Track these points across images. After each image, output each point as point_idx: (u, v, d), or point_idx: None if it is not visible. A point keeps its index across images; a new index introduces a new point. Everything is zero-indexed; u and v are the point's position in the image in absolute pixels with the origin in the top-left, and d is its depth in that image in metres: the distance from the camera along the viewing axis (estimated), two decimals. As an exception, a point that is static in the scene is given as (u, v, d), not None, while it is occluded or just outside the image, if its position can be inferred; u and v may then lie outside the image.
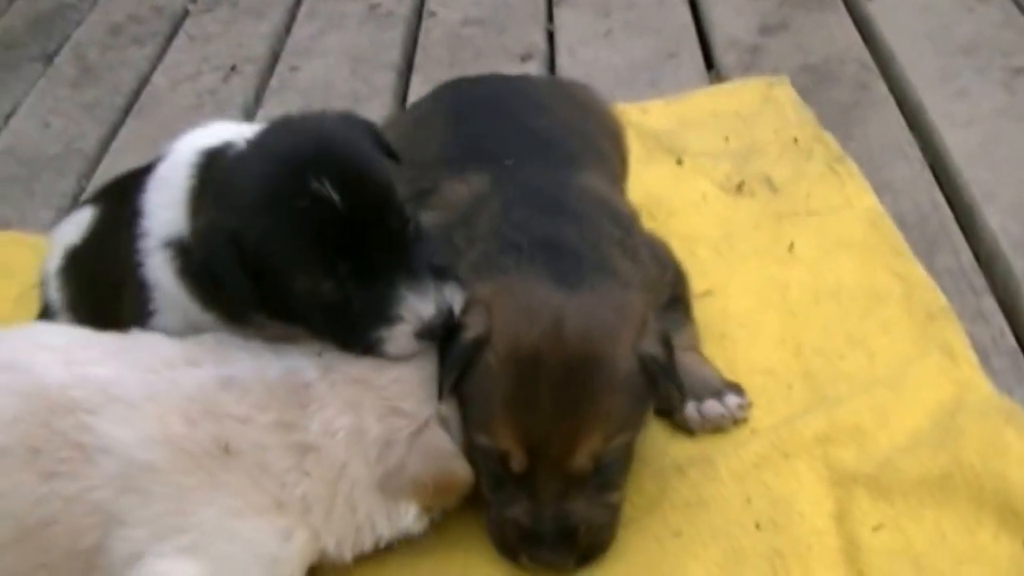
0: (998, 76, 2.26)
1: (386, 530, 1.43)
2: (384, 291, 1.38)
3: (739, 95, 2.34)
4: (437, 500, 1.42)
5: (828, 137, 2.12)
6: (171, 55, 3.20)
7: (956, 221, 1.91)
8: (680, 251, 1.72)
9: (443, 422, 1.42)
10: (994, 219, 1.87)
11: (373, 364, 1.43)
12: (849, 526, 1.41)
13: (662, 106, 2.35)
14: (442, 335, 1.41)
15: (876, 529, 1.40)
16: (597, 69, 2.57)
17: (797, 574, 1.36)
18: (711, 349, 1.68)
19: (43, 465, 1.32)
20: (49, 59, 3.28)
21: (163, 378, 1.41)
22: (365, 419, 1.40)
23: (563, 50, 2.77)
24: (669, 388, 1.42)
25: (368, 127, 1.50)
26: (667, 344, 1.44)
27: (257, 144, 1.44)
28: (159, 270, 1.50)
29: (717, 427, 1.57)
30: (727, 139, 2.21)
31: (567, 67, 2.67)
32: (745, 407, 1.58)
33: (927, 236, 1.88)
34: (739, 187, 2.05)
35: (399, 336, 1.39)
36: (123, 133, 2.81)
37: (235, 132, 1.49)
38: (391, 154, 1.47)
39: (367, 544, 1.43)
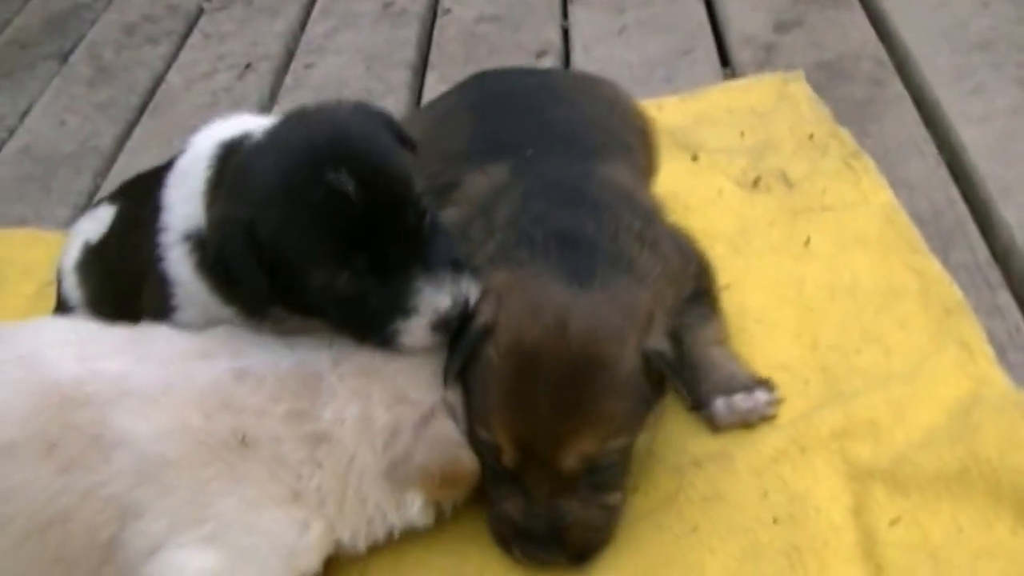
0: (1014, 72, 2.25)
1: (397, 520, 1.43)
2: (400, 283, 1.37)
3: (754, 91, 2.33)
4: (444, 490, 1.42)
5: (844, 133, 2.11)
6: (186, 54, 3.21)
7: (972, 217, 1.91)
8: (697, 247, 1.72)
9: (450, 410, 1.42)
10: (1010, 214, 1.87)
11: (383, 354, 1.43)
12: (866, 520, 1.41)
13: (677, 102, 2.35)
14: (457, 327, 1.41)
15: (893, 523, 1.40)
16: (612, 66, 2.56)
17: (814, 568, 1.36)
18: (727, 344, 1.67)
19: (59, 459, 1.33)
20: (64, 58, 3.30)
21: (177, 371, 1.41)
22: (373, 408, 1.40)
23: (578, 47, 2.77)
24: (677, 384, 1.41)
25: (383, 117, 1.49)
26: (675, 340, 1.43)
27: (273, 135, 1.43)
28: (179, 264, 1.50)
29: (745, 423, 1.55)
30: (743, 135, 2.20)
31: (582, 64, 2.66)
32: (774, 403, 1.56)
33: (942, 232, 1.87)
34: (755, 183, 2.04)
35: (415, 328, 1.39)
36: (138, 132, 2.82)
37: (254, 124, 1.48)
38: (407, 143, 1.46)
39: (380, 535, 1.44)
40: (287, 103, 2.76)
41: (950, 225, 1.89)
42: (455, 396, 1.43)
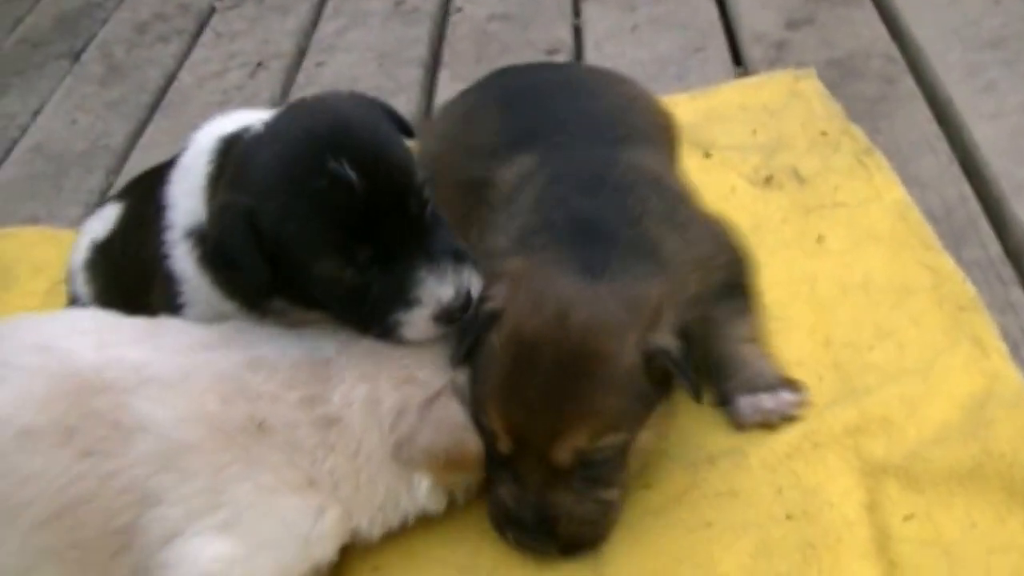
0: (1026, 69, 2.25)
1: (409, 505, 1.44)
2: (402, 274, 1.37)
3: (766, 88, 2.33)
4: (450, 472, 1.42)
5: (856, 130, 2.11)
6: (197, 52, 3.22)
7: (984, 213, 1.90)
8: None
9: (459, 393, 1.42)
10: (1023, 211, 1.86)
11: None
12: (879, 516, 1.41)
13: (689, 100, 2.34)
14: (460, 318, 1.40)
15: (907, 519, 1.40)
16: (623, 64, 2.55)
17: (828, 564, 1.36)
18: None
19: (79, 444, 1.33)
20: (76, 57, 3.31)
21: (194, 360, 1.42)
22: (381, 388, 1.41)
23: (590, 45, 2.77)
24: (682, 383, 1.40)
25: (383, 106, 1.49)
26: (687, 336, 1.42)
27: (273, 126, 1.42)
28: (183, 261, 1.50)
29: (766, 422, 1.54)
30: (755, 132, 2.20)
31: (593, 62, 2.65)
32: (799, 404, 1.54)
33: (955, 229, 1.87)
34: (767, 180, 2.04)
35: (417, 319, 1.39)
36: (150, 130, 2.83)
37: (255, 118, 1.48)
38: (406, 129, 1.46)
39: (394, 522, 1.45)
40: (299, 101, 2.76)
41: (962, 222, 1.89)
42: (464, 378, 1.44)
